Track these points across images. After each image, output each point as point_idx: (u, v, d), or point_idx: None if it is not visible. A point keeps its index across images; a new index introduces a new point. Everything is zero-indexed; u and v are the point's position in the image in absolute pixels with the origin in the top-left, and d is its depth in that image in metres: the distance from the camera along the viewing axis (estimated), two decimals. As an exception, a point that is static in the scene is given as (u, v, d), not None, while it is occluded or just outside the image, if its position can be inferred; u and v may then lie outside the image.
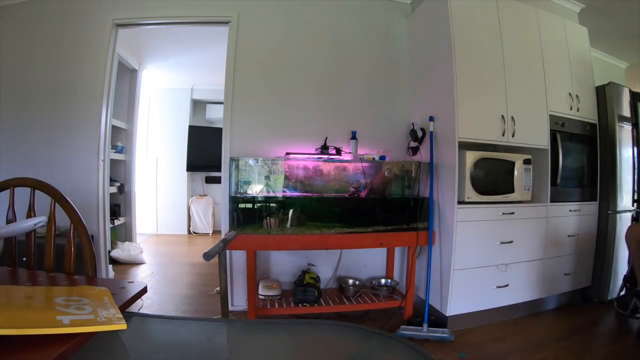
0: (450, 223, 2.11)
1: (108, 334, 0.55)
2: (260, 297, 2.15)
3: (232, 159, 2.32)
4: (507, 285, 2.22)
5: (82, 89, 2.53)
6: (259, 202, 2.18)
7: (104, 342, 0.57)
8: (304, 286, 2.12)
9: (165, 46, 3.63)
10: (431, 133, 2.27)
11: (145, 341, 0.66)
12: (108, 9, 2.52)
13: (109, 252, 2.79)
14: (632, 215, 2.67)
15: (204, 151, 4.79)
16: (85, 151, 2.53)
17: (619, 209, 2.58)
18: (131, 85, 3.97)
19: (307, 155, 2.36)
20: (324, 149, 2.37)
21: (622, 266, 2.60)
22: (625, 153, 2.65)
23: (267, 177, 2.29)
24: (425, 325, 2.04)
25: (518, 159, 2.27)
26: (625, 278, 2.48)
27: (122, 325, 0.55)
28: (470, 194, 2.13)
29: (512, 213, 2.22)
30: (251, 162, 2.30)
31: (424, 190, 2.40)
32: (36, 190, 1.04)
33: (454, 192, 2.09)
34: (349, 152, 2.42)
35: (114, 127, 3.07)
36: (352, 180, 2.41)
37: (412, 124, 2.46)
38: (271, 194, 2.26)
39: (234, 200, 2.14)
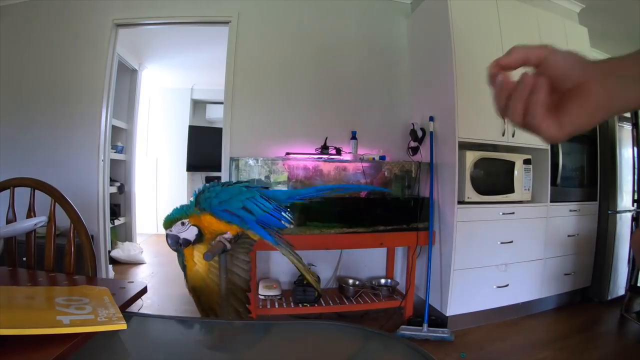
0: (450, 223, 2.11)
1: (108, 334, 0.55)
2: (260, 297, 2.15)
3: (232, 159, 2.32)
4: (507, 285, 2.22)
5: (82, 89, 2.53)
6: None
7: (104, 342, 0.57)
8: (304, 286, 2.12)
9: (165, 46, 3.63)
10: (431, 133, 2.27)
11: (145, 341, 0.66)
12: (108, 9, 2.52)
13: (109, 252, 2.79)
14: (632, 216, 2.67)
15: (204, 151, 4.79)
16: (85, 151, 2.53)
17: (619, 209, 2.58)
18: (131, 85, 3.96)
19: (307, 155, 2.36)
20: (324, 149, 2.37)
21: (622, 266, 2.60)
22: (625, 153, 2.65)
23: (267, 177, 2.29)
24: (425, 325, 2.04)
25: (518, 159, 2.27)
26: (632, 288, 2.45)
27: (122, 325, 0.55)
28: (471, 194, 2.13)
29: (512, 213, 2.22)
30: (251, 162, 2.30)
31: (424, 190, 2.40)
32: (36, 190, 1.04)
33: (454, 192, 2.09)
34: (349, 152, 2.42)
35: (114, 127, 3.07)
36: (352, 180, 2.41)
37: (412, 124, 2.46)
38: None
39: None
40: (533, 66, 0.32)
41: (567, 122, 0.31)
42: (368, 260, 2.57)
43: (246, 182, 0.89)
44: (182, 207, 0.88)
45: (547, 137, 0.32)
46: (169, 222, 0.86)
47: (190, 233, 0.84)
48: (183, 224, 0.84)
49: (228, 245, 0.84)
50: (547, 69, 0.31)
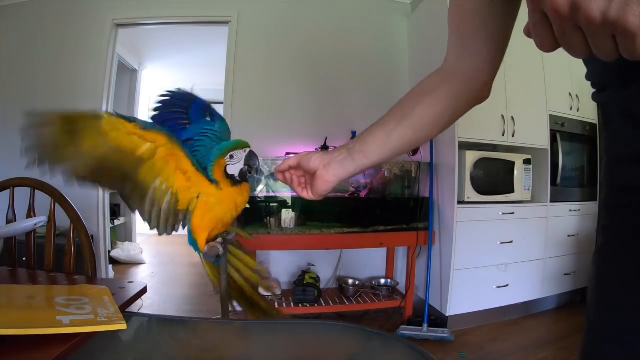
0: (450, 223, 2.11)
1: (108, 334, 0.55)
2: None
3: (232, 159, 2.32)
4: (507, 285, 2.22)
5: (82, 89, 2.53)
6: (259, 202, 2.18)
7: (104, 342, 0.57)
8: (304, 286, 2.12)
9: (165, 46, 3.63)
10: (431, 133, 2.27)
11: (145, 341, 0.66)
12: (108, 9, 2.52)
13: (109, 252, 2.79)
14: (632, 215, 2.67)
15: (204, 151, 4.78)
16: (85, 151, 2.53)
17: (619, 209, 2.58)
18: (131, 85, 3.97)
19: (307, 155, 2.36)
20: (324, 149, 2.37)
21: (622, 266, 2.59)
22: (625, 153, 2.64)
23: (272, 176, 2.28)
24: (425, 325, 2.04)
25: (518, 159, 2.27)
26: None
27: (122, 325, 0.55)
28: (470, 194, 2.13)
29: (512, 213, 2.22)
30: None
31: (424, 190, 2.40)
32: (36, 190, 1.04)
33: (454, 192, 2.09)
34: (349, 152, 2.42)
35: (114, 127, 3.06)
36: (352, 180, 2.41)
37: (412, 124, 2.46)
38: (271, 194, 2.26)
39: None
40: (296, 166, 0.59)
41: (314, 191, 0.57)
42: (368, 260, 2.57)
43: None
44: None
45: (307, 198, 0.58)
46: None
47: (234, 168, 0.68)
48: (232, 157, 0.68)
49: (221, 250, 0.78)
50: (301, 166, 0.58)
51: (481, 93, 0.56)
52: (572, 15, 0.23)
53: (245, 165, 0.68)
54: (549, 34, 0.26)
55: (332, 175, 0.55)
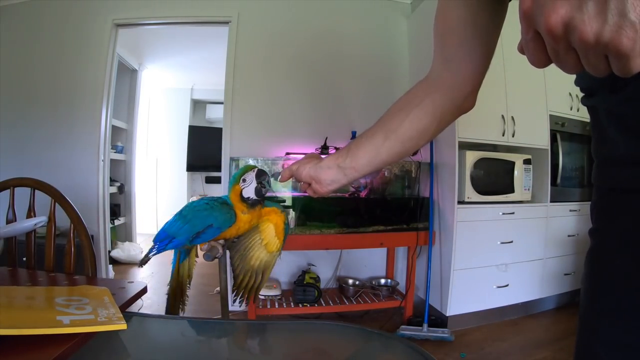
0: (450, 223, 2.11)
1: (108, 334, 0.55)
2: (260, 297, 2.15)
3: (232, 159, 2.32)
4: (507, 285, 2.22)
5: (83, 89, 2.53)
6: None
7: (104, 342, 0.57)
8: (304, 286, 2.12)
9: (165, 46, 3.63)
10: (431, 133, 2.27)
11: (145, 341, 0.66)
12: (108, 9, 2.52)
13: (109, 252, 2.79)
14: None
15: (204, 151, 4.79)
16: (85, 151, 2.53)
17: (619, 209, 2.58)
18: (131, 85, 3.96)
19: (307, 155, 2.36)
20: (324, 149, 2.37)
21: (622, 266, 2.59)
22: (625, 153, 2.64)
23: (275, 176, 2.28)
24: (425, 325, 2.04)
25: (518, 159, 2.27)
26: None
27: (122, 325, 0.55)
28: (470, 194, 2.13)
29: (512, 213, 2.22)
30: (251, 162, 2.30)
31: (424, 190, 2.40)
32: (36, 190, 1.04)
33: (454, 192, 2.09)
34: (349, 152, 2.42)
35: (114, 127, 3.07)
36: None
37: (412, 124, 2.45)
38: (270, 194, 2.26)
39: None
40: (294, 175, 0.63)
41: (317, 193, 0.61)
42: (368, 260, 2.57)
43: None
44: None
45: (312, 196, 0.63)
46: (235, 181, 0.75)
47: (249, 189, 0.72)
48: (244, 180, 0.73)
49: (221, 250, 0.78)
50: (296, 178, 0.63)
51: (464, 103, 0.56)
52: (565, 36, 0.24)
53: (257, 183, 0.73)
54: (542, 52, 0.26)
55: (326, 191, 0.60)
